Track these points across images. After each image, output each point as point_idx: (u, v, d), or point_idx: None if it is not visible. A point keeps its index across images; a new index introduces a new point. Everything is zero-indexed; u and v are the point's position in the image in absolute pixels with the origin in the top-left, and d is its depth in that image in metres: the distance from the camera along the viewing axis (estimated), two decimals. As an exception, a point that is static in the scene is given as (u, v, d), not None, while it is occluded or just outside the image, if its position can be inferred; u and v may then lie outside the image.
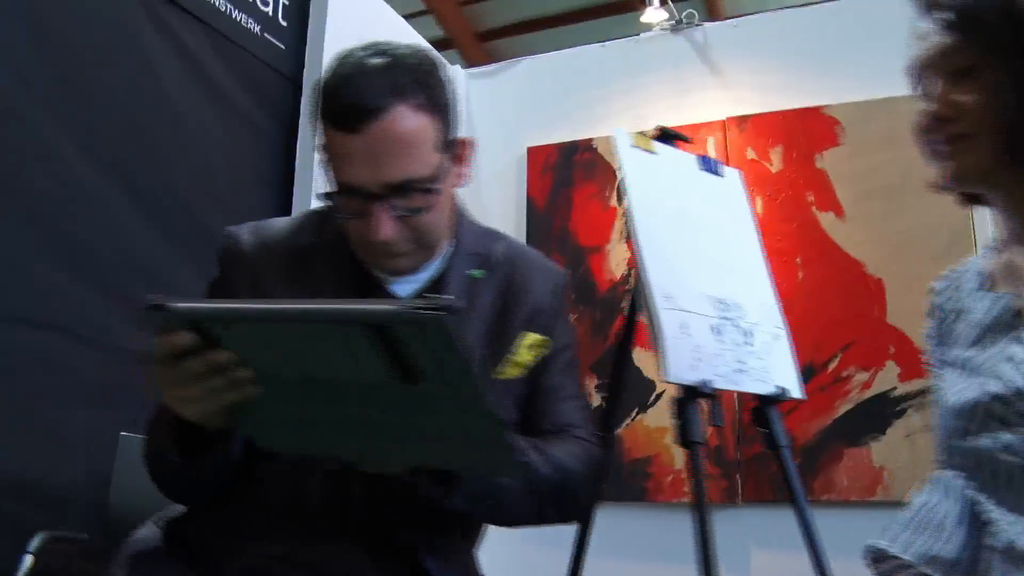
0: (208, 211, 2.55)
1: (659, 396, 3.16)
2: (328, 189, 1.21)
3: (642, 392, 3.19)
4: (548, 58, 3.77)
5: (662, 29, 3.53)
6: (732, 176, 2.07)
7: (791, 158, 3.23)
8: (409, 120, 1.16)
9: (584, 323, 3.35)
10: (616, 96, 3.58)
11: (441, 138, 1.21)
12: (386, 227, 1.17)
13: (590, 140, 3.58)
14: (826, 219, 3.14)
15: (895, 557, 1.12)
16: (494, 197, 3.61)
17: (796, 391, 1.83)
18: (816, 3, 3.42)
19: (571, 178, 3.57)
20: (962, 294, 1.22)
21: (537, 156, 3.63)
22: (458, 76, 3.95)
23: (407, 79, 1.17)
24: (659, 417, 3.15)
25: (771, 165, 3.24)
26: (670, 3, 3.47)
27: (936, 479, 1.16)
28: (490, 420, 0.94)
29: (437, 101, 1.21)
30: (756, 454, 2.98)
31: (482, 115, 3.75)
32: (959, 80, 1.13)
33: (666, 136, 1.90)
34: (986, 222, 2.95)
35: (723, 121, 3.34)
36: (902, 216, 3.04)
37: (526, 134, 3.66)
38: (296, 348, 0.95)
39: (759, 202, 3.20)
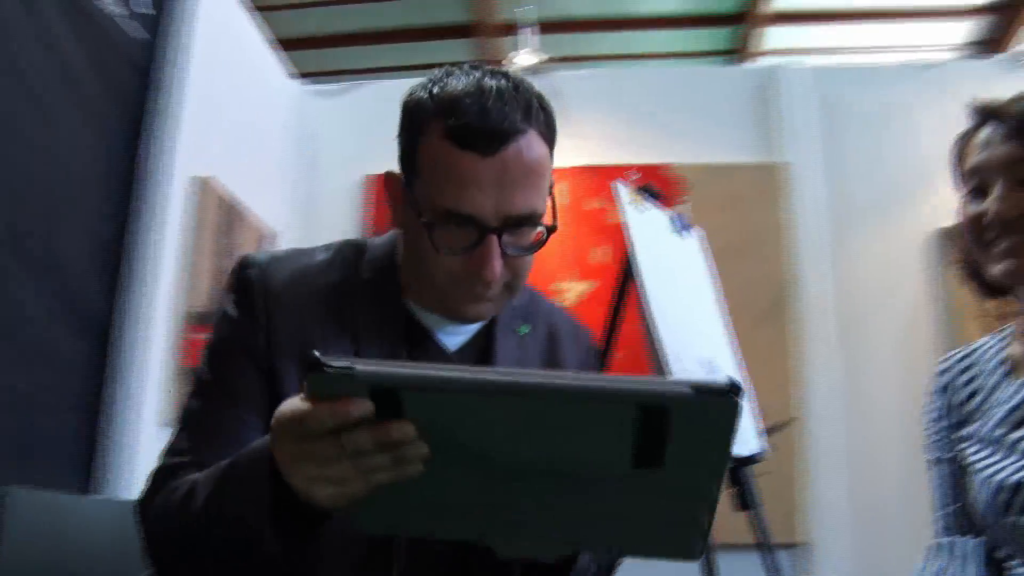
0: (49, 214, 2.14)
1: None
2: (426, 219, 1.04)
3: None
4: (396, 85, 3.59)
5: (517, 70, 3.52)
6: (696, 235, 2.11)
7: (635, 211, 3.36)
8: (538, 148, 1.05)
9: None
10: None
11: (550, 174, 1.10)
12: (497, 264, 1.04)
13: (433, 173, 3.47)
14: (665, 272, 3.30)
15: None
16: (328, 223, 3.39)
17: (763, 450, 1.88)
18: (670, 57, 3.58)
19: (413, 210, 3.44)
20: (975, 374, 1.33)
21: (377, 185, 3.46)
22: (289, 88, 3.66)
23: (536, 104, 1.06)
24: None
25: (612, 216, 3.34)
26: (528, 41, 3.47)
27: (946, 545, 1.25)
28: (707, 506, 0.84)
29: (553, 132, 1.11)
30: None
31: (322, 134, 3.53)
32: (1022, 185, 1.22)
33: (649, 192, 1.89)
34: (804, 291, 3.26)
35: (572, 168, 3.39)
36: (731, 277, 3.24)
37: (366, 161, 3.46)
38: (511, 424, 0.78)
39: (599, 251, 3.29)
